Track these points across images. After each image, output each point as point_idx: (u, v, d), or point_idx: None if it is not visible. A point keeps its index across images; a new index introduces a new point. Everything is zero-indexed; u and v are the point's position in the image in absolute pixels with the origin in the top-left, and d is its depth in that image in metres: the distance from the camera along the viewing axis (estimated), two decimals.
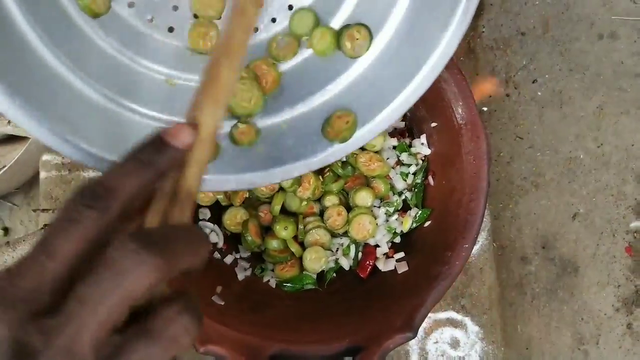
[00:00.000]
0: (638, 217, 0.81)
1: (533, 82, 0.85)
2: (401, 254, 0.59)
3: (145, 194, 0.27)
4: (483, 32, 0.85)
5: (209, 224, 0.61)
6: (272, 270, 0.61)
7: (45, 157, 0.74)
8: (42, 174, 0.74)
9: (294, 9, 0.40)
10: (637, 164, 0.82)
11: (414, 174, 0.61)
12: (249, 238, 0.58)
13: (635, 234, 0.80)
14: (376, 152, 0.60)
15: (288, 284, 0.60)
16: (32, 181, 0.79)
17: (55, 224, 0.24)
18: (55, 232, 0.24)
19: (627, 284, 0.79)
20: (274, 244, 0.59)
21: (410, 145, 0.62)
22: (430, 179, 0.60)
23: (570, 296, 0.79)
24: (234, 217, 0.60)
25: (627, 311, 0.78)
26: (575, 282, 0.79)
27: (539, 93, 0.85)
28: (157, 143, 0.27)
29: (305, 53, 0.42)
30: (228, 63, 0.30)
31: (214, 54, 0.31)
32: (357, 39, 0.39)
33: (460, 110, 0.53)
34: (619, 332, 0.78)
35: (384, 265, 0.59)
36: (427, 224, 0.59)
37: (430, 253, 0.55)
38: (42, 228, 0.67)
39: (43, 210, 0.73)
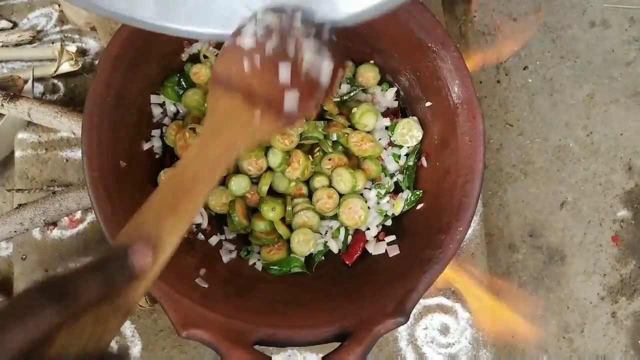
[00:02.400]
0: (625, 206, 0.81)
1: (524, 69, 0.84)
2: (392, 237, 0.58)
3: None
4: (475, 17, 0.84)
5: None
6: (259, 253, 0.59)
7: (21, 135, 0.71)
8: (18, 153, 0.71)
9: None
10: (626, 153, 0.82)
11: (407, 155, 0.59)
12: (236, 219, 0.56)
13: (622, 223, 0.80)
14: (368, 132, 0.58)
15: (275, 267, 0.58)
16: (7, 161, 0.75)
17: (10, 311, 0.24)
18: (10, 320, 0.23)
19: (613, 273, 0.79)
20: (260, 225, 0.57)
21: None
22: (423, 160, 0.59)
23: (557, 285, 0.79)
24: (219, 198, 0.58)
25: (612, 300, 0.78)
26: (561, 271, 0.79)
27: (530, 80, 0.84)
28: (123, 260, 0.29)
29: None
30: (210, 178, 0.28)
31: (190, 157, 0.28)
32: None
33: (456, 89, 0.51)
34: (604, 320, 0.78)
35: (375, 249, 0.57)
36: (419, 206, 0.58)
37: (423, 236, 0.54)
38: (16, 208, 0.64)
39: (18, 190, 0.69)
